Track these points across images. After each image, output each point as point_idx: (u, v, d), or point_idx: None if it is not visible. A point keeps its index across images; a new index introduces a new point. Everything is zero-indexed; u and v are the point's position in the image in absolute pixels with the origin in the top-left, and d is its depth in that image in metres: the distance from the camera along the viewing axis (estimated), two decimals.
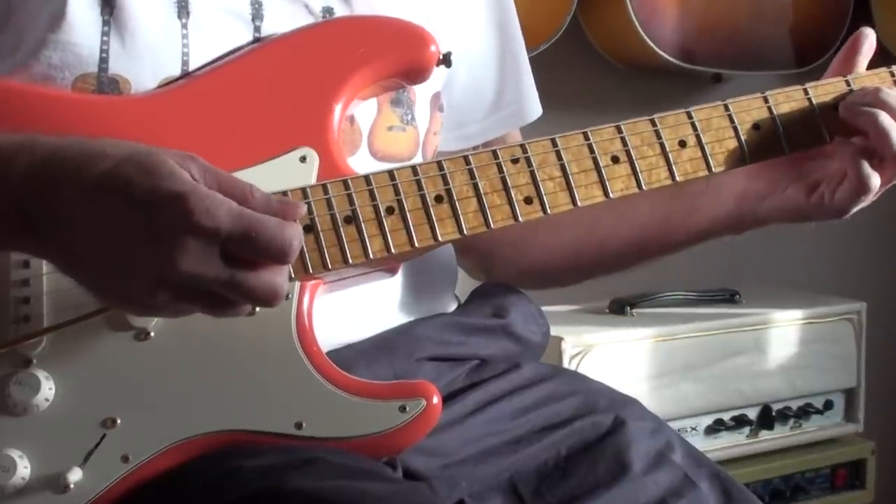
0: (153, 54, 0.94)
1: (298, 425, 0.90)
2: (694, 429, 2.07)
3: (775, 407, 2.15)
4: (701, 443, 2.03)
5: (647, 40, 2.27)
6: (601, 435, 1.04)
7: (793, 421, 2.17)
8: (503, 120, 1.21)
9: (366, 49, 0.97)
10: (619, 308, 2.14)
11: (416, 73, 0.99)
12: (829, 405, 2.21)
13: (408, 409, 0.91)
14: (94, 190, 0.79)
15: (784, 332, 2.16)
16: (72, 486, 0.87)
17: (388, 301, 1.04)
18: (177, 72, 0.94)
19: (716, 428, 2.09)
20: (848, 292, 2.33)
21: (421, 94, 1.07)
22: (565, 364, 1.93)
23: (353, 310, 1.00)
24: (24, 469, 0.88)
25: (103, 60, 0.92)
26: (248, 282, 0.80)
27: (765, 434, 2.15)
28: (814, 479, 2.20)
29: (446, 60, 0.99)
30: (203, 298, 0.81)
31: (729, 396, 2.10)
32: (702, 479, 1.03)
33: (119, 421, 0.89)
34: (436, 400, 0.92)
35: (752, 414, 2.13)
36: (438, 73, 1.03)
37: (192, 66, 0.95)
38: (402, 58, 0.98)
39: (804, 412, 2.18)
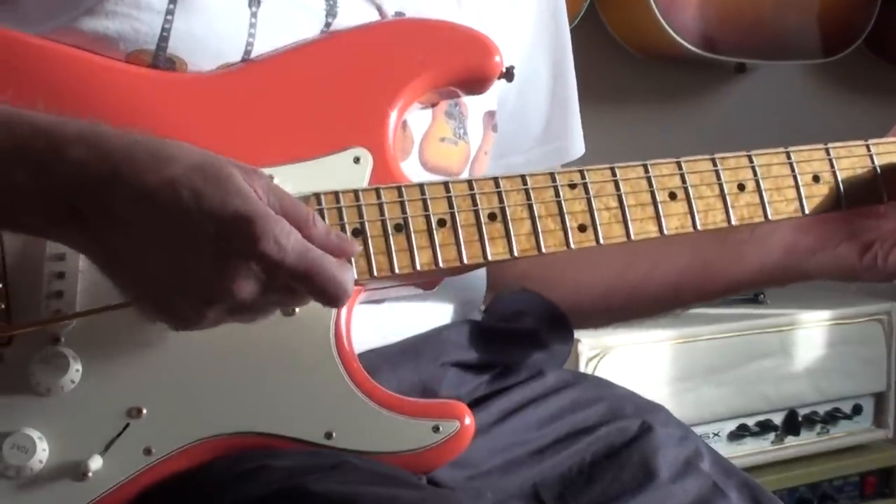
0: (217, 40, 0.95)
1: (328, 435, 0.91)
2: (717, 434, 2.08)
3: (802, 412, 2.17)
4: (724, 449, 2.04)
5: (668, 28, 2.28)
6: (627, 440, 1.05)
7: (820, 426, 2.19)
8: (546, 155, 1.22)
9: (429, 53, 0.98)
10: None
11: (477, 83, 1.00)
12: (857, 410, 2.23)
13: (441, 429, 0.92)
14: (159, 195, 0.80)
15: (811, 333, 2.17)
16: (91, 473, 0.88)
17: (420, 315, 1.05)
18: (238, 60, 0.95)
19: (739, 434, 2.11)
20: (877, 292, 2.34)
21: (473, 109, 1.08)
22: (582, 367, 1.94)
23: (385, 321, 1.01)
24: (42, 451, 0.89)
25: (163, 39, 0.93)
26: (294, 305, 0.84)
27: (791, 440, 2.16)
28: (842, 487, 2.22)
29: (509, 74, 1.00)
30: (245, 317, 0.84)
31: (753, 401, 2.11)
32: (731, 488, 1.04)
33: (145, 411, 0.90)
34: (468, 421, 0.93)
35: (778, 419, 2.15)
36: (494, 90, 1.04)
37: (253, 56, 0.96)
38: (466, 65, 0.99)
39: (832, 417, 2.20)
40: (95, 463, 0.89)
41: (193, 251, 0.80)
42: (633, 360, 1.99)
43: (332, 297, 0.82)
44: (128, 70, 0.93)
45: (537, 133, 1.22)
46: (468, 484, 0.98)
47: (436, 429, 0.92)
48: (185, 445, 0.90)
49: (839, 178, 1.05)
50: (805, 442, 2.18)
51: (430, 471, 0.94)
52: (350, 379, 0.92)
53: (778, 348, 2.13)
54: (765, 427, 2.13)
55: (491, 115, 1.12)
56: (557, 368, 1.13)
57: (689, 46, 2.31)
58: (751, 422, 2.12)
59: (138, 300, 0.84)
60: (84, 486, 0.89)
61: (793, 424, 2.15)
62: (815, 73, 2.72)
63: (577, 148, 1.25)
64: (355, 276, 0.84)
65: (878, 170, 1.06)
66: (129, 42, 0.93)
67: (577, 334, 1.91)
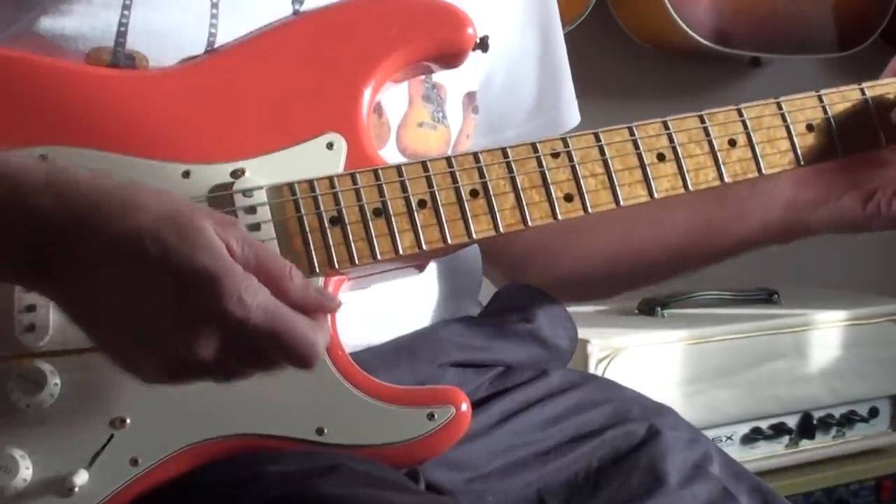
0: (177, 32, 0.94)
1: (319, 431, 0.91)
2: (729, 438, 2.07)
3: (816, 415, 2.15)
4: (737, 453, 2.03)
5: (680, 22, 2.27)
6: (635, 445, 1.04)
7: (835, 429, 2.17)
8: (541, 127, 1.21)
9: (399, 29, 0.97)
10: (649, 308, 2.14)
11: (452, 57, 0.99)
12: (874, 413, 2.21)
13: (436, 416, 0.92)
14: (124, 246, 0.78)
15: (826, 334, 2.16)
16: (77, 489, 0.88)
17: (411, 302, 1.05)
18: (200, 52, 0.95)
19: (753, 437, 2.09)
20: (894, 291, 2.33)
21: (452, 91, 1.08)
22: (591, 368, 1.93)
23: (374, 309, 1.01)
24: (25, 470, 0.88)
25: (121, 35, 0.93)
26: (263, 370, 0.82)
27: (805, 444, 2.15)
28: (858, 492, 2.21)
29: (483, 45, 0.99)
30: (215, 378, 0.83)
31: (767, 403, 2.10)
32: (741, 492, 1.03)
33: (129, 421, 0.89)
34: (465, 407, 0.93)
35: (792, 422, 2.13)
36: (474, 71, 1.03)
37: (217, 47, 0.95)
38: (437, 39, 0.98)
39: (847, 420, 2.18)
40: (81, 478, 0.88)
41: (155, 306, 0.78)
42: (644, 361, 1.98)
43: (301, 357, 0.79)
44: (88, 72, 0.92)
45: (530, 105, 1.22)
46: (468, 487, 0.98)
47: (430, 416, 0.92)
48: (173, 453, 0.89)
49: (833, 126, 1.03)
50: (820, 445, 2.17)
51: (426, 460, 0.94)
52: (337, 370, 0.91)
53: (792, 349, 2.12)
54: (779, 430, 2.12)
55: (470, 96, 1.12)
56: (561, 369, 1.13)
57: (702, 40, 2.30)
58: (764, 425, 2.11)
59: (104, 350, 0.82)
60: (70, 502, 0.88)
61: (807, 427, 2.14)
62: (831, 67, 2.71)
63: (572, 117, 1.25)
64: (328, 339, 0.81)
65: (874, 112, 1.05)
66: (87, 40, 0.92)
67: (587, 335, 1.93)
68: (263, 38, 0.96)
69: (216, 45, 0.95)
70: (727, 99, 2.84)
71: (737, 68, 2.56)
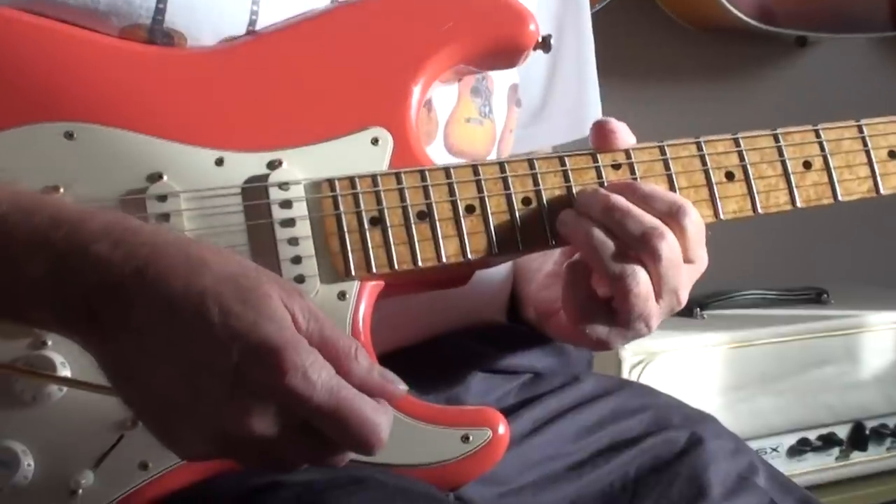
0: (218, 10, 0.94)
1: None
2: (775, 449, 2.08)
3: (869, 424, 2.16)
4: (784, 465, 2.05)
5: None
6: (675, 454, 1.05)
7: (889, 440, 2.18)
8: (551, 132, 1.21)
9: (455, 21, 0.97)
10: (687, 309, 2.13)
11: (509, 56, 0.99)
12: None
13: (471, 439, 0.92)
14: (184, 304, 0.76)
15: (880, 337, 2.16)
16: (81, 490, 0.88)
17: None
18: (241, 32, 0.95)
19: (800, 449, 2.10)
20: None
21: (499, 83, 1.08)
22: (624, 374, 1.94)
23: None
24: (27, 467, 0.88)
25: (159, 12, 0.93)
26: (316, 459, 0.80)
27: (857, 456, 2.16)
28: None
29: (545, 44, 0.99)
30: (256, 461, 0.80)
31: (815, 412, 2.11)
32: None
33: (140, 422, 0.87)
34: (502, 430, 0.92)
35: (843, 432, 2.14)
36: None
37: (258, 28, 0.95)
38: (497, 35, 0.98)
39: None
40: (86, 479, 0.88)
41: (210, 373, 0.76)
42: (682, 366, 1.99)
43: (364, 442, 0.77)
44: (122, 47, 0.93)
45: (536, 107, 1.21)
46: (500, 502, 0.99)
47: (465, 438, 0.92)
48: None
49: None
50: (873, 458, 2.18)
51: (459, 486, 0.94)
52: None
53: (843, 354, 2.13)
54: (828, 441, 2.13)
55: (514, 88, 1.12)
56: (594, 375, 1.14)
57: (746, 18, 2.30)
58: (812, 435, 2.11)
59: (141, 415, 0.81)
60: None
61: (859, 438, 2.15)
62: (884, 48, 2.72)
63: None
64: (391, 423, 0.79)
65: None
66: (122, 16, 0.93)
67: None
68: (310, 22, 0.97)
69: (258, 26, 0.95)
70: (771, 81, 2.86)
71: (782, 48, 2.56)
